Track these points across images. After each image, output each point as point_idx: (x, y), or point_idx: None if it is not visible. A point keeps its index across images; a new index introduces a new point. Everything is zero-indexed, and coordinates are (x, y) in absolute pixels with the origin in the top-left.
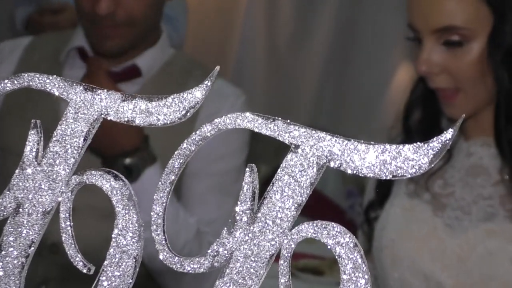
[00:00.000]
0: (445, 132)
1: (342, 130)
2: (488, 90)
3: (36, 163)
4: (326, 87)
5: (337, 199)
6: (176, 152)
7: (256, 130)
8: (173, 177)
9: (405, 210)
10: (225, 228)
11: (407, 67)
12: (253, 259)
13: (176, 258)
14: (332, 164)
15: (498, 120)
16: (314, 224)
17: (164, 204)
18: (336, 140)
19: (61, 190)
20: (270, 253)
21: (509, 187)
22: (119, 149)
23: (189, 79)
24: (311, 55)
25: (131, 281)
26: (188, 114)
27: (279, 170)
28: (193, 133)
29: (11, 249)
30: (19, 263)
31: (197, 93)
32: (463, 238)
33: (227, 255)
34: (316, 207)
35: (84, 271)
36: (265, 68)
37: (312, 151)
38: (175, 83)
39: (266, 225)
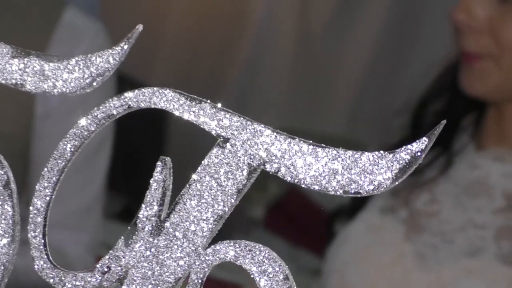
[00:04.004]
0: (417, 141)
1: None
2: None
3: None
4: (368, 91)
5: None
6: (70, 131)
7: (177, 113)
8: (63, 164)
9: (370, 228)
10: (122, 237)
11: None
12: (153, 282)
13: (56, 270)
14: (268, 168)
15: None
16: (236, 245)
17: (48, 198)
18: (276, 137)
19: None
20: (176, 276)
21: None
22: None
23: (34, 8)
24: (354, 44)
25: None
26: (95, 83)
27: (199, 168)
28: (95, 108)
29: None
30: None
31: (109, 58)
32: (435, 273)
33: (120, 273)
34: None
35: None
36: (291, 56)
37: (245, 148)
38: (14, 12)
39: (174, 238)
